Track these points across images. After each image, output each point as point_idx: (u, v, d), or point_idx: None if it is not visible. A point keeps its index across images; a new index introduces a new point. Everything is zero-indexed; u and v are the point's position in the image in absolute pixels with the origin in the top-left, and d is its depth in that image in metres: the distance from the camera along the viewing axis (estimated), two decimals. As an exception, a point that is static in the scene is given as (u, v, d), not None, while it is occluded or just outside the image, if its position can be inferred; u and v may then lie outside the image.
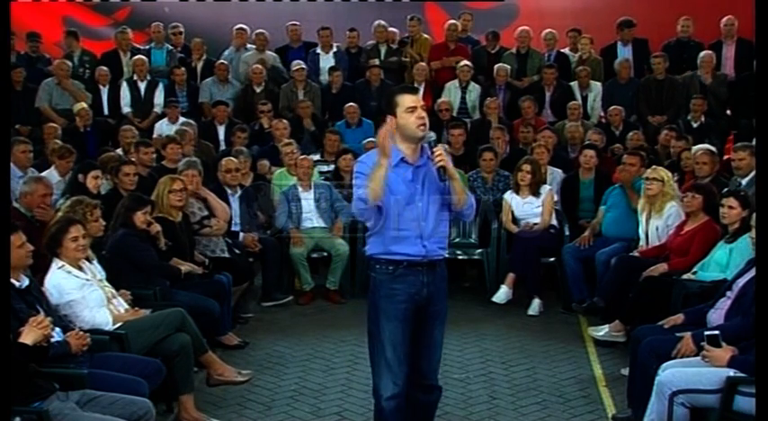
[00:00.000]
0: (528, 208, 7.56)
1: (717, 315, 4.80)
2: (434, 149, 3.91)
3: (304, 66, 10.39)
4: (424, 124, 3.93)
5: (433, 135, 3.95)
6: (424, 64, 10.46)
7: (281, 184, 8.04)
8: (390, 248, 4.00)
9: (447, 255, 4.20)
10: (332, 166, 8.55)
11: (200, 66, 10.99)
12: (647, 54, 10.40)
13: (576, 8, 11.84)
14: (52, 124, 9.38)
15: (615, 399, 5.34)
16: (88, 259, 5.02)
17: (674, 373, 4.32)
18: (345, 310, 7.37)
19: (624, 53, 10.60)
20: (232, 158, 7.77)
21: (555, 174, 8.19)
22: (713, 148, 7.40)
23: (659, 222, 6.52)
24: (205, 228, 6.78)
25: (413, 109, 3.92)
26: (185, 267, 6.04)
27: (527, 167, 7.53)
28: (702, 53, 9.93)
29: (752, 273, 4.57)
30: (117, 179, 6.86)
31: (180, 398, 4.94)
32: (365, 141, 8.91)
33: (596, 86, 10.22)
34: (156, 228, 5.94)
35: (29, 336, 3.80)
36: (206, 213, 6.86)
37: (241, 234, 7.41)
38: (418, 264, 4.03)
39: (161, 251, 5.94)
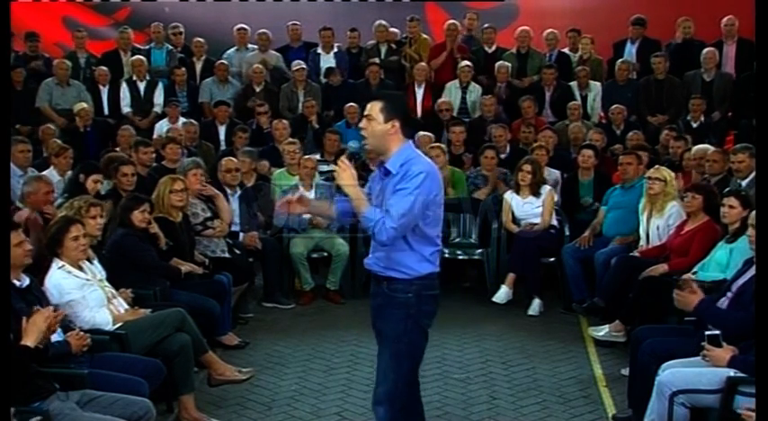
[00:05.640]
0: (528, 208, 7.56)
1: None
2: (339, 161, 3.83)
3: (304, 66, 10.39)
4: (363, 136, 3.90)
5: (352, 145, 3.82)
6: (424, 64, 10.46)
7: (280, 184, 8.03)
8: None
9: (398, 276, 3.84)
10: (332, 166, 8.53)
11: (199, 66, 10.99)
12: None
13: (576, 8, 11.83)
14: (50, 125, 9.37)
15: (615, 399, 5.34)
16: (89, 259, 5.02)
17: (674, 373, 4.32)
18: (345, 310, 7.38)
19: (630, 51, 10.63)
20: (232, 158, 7.77)
21: (552, 175, 8.18)
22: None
23: (660, 222, 6.52)
24: (208, 229, 6.78)
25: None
26: (185, 267, 6.05)
27: (528, 167, 7.54)
28: (705, 50, 9.94)
29: (750, 273, 4.57)
30: (116, 179, 6.86)
31: (180, 398, 4.94)
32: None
33: (596, 86, 10.22)
34: (154, 227, 5.93)
35: (30, 337, 3.80)
36: (209, 215, 6.85)
37: (241, 234, 7.41)
38: (371, 273, 3.99)
39: (161, 251, 5.94)
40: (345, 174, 3.79)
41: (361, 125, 3.92)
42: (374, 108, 3.85)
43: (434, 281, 3.93)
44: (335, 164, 3.87)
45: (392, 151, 3.87)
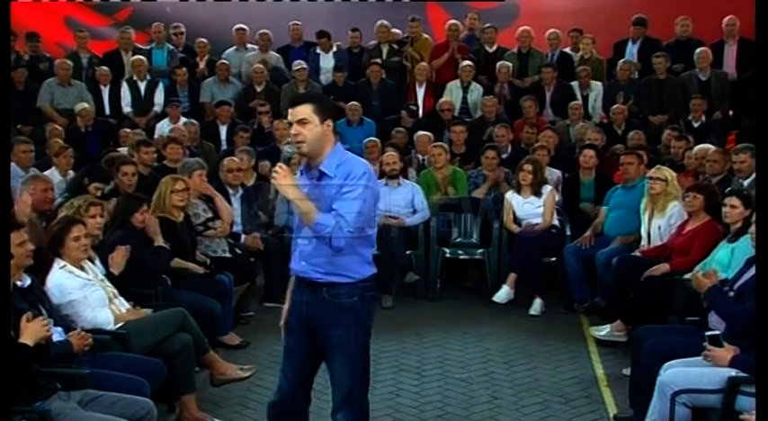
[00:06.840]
0: (529, 208, 7.56)
1: (717, 316, 4.79)
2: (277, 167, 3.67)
3: (305, 65, 10.40)
4: (297, 142, 3.73)
5: (287, 149, 3.72)
6: (425, 64, 10.47)
7: (280, 185, 8.01)
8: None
9: (342, 281, 3.72)
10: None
11: (202, 66, 10.98)
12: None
13: (577, 8, 11.82)
14: (57, 126, 9.37)
15: (617, 399, 5.34)
16: (90, 259, 5.02)
17: (675, 373, 4.33)
18: (346, 310, 7.36)
19: (631, 51, 10.63)
20: (234, 158, 7.77)
21: (553, 175, 8.17)
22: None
23: (662, 222, 6.52)
24: (209, 230, 6.77)
25: (290, 124, 3.75)
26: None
27: (528, 167, 7.53)
28: (698, 50, 9.94)
29: (750, 272, 4.57)
30: (117, 179, 6.85)
31: (182, 397, 4.93)
32: (366, 140, 8.92)
33: (597, 86, 10.22)
34: (156, 232, 5.92)
35: (28, 336, 3.80)
36: (210, 215, 6.84)
37: (243, 236, 7.39)
38: (301, 281, 3.83)
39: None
40: (286, 180, 3.68)
41: (293, 131, 3.72)
42: (306, 110, 3.69)
43: (373, 282, 3.82)
44: None
45: (325, 153, 3.73)
